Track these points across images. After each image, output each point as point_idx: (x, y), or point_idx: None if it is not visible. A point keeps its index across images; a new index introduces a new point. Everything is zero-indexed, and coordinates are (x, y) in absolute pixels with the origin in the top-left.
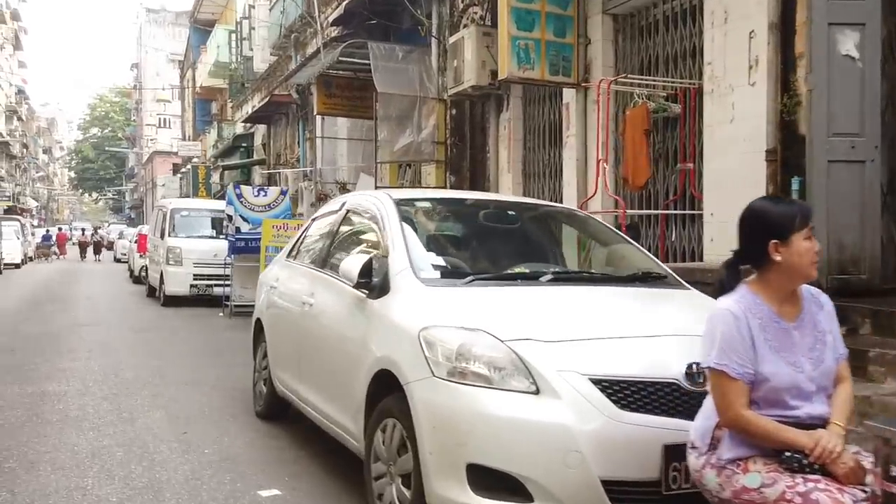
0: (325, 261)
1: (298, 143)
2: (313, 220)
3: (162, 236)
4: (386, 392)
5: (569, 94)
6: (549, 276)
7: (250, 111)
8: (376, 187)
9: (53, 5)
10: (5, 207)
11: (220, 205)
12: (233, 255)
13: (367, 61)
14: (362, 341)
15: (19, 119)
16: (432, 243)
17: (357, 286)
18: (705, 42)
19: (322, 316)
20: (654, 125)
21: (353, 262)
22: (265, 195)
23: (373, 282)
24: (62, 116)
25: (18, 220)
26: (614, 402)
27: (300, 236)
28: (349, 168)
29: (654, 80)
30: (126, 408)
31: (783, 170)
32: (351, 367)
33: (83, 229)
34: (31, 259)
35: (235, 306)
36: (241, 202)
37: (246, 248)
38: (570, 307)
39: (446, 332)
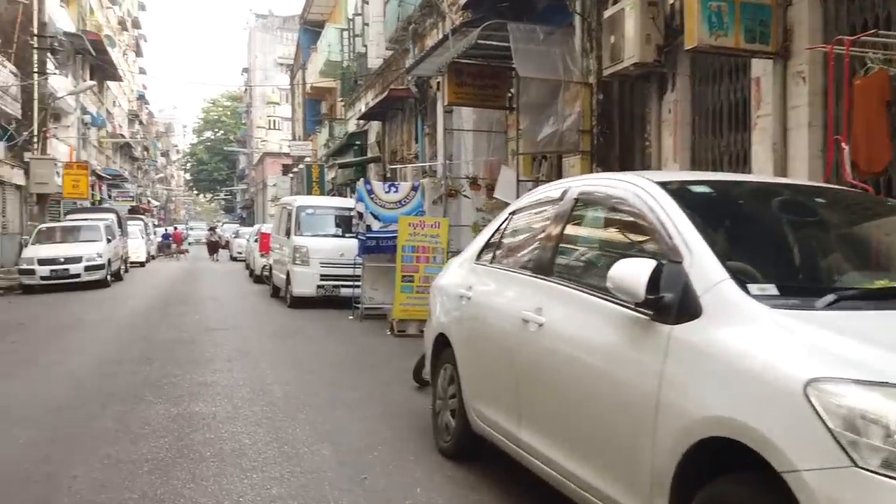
0: (551, 266)
1: (416, 138)
2: (513, 213)
3: (287, 235)
4: (709, 469)
5: (759, 67)
6: None
7: (364, 108)
8: (518, 181)
9: (170, 14)
10: (130, 207)
11: (345, 202)
12: (363, 255)
13: (503, 44)
14: (653, 387)
15: (140, 123)
16: (736, 244)
17: (643, 305)
18: None
19: (563, 342)
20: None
21: (632, 270)
22: (396, 191)
23: (665, 299)
24: (178, 121)
25: (142, 220)
26: None
27: (495, 233)
28: (477, 162)
29: None
30: (286, 438)
31: None
32: (632, 423)
33: (212, 228)
34: (153, 257)
35: (366, 309)
36: (372, 199)
37: (377, 248)
38: None
39: (867, 392)
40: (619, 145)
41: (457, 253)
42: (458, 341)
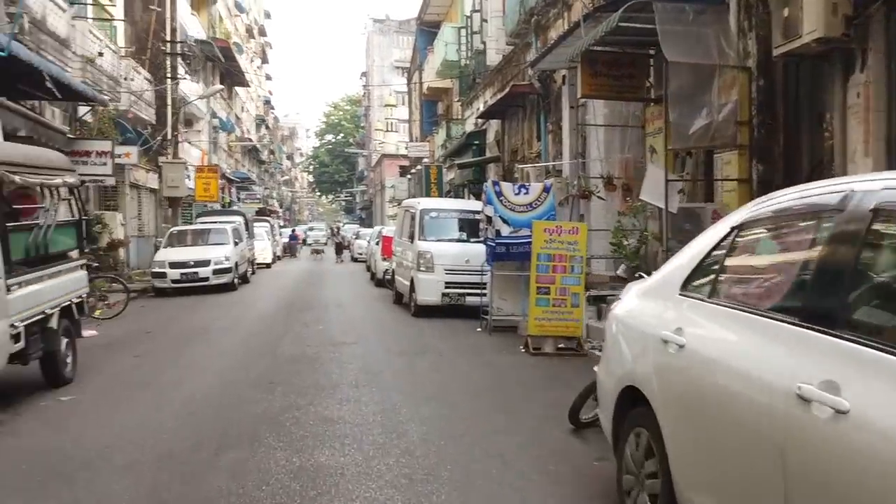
0: (844, 314)
1: (538, 136)
2: (738, 227)
3: (411, 239)
4: None
5: None
6: None
7: (482, 107)
8: (667, 181)
9: (294, 21)
10: (257, 209)
11: (470, 204)
12: (492, 263)
13: (647, 26)
14: None
15: (266, 127)
16: None
17: None
18: None
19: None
20: None
21: None
22: (527, 193)
23: None
24: (302, 125)
25: (268, 221)
26: None
27: (711, 255)
28: (610, 160)
29: None
30: None
31: None
32: None
33: (336, 228)
34: (279, 258)
35: (494, 320)
36: (501, 201)
37: (507, 255)
38: None
39: None
40: (784, 138)
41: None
42: (662, 403)
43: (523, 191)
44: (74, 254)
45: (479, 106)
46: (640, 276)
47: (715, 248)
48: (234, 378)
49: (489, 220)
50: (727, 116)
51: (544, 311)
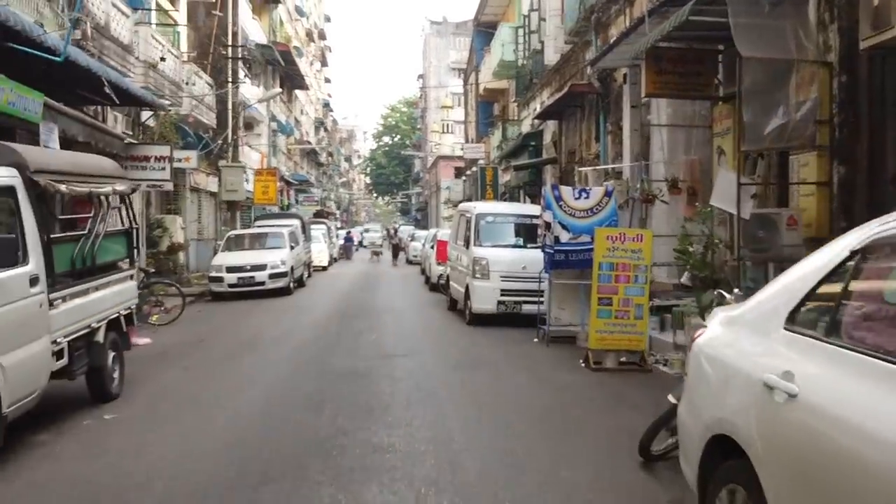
0: None
1: (597, 137)
2: (862, 251)
3: (466, 245)
4: None
5: None
6: None
7: (539, 108)
8: (739, 184)
9: (352, 24)
10: (315, 211)
11: (527, 208)
12: (550, 271)
13: (719, 19)
14: None
15: (325, 130)
16: None
17: None
18: None
19: None
20: None
21: None
22: (587, 197)
23: None
24: (360, 127)
25: (325, 223)
26: None
27: (824, 282)
28: (675, 162)
29: None
30: None
31: None
32: None
33: (394, 230)
34: (336, 259)
35: (552, 329)
36: (560, 206)
37: (566, 262)
38: None
39: None
40: (868, 137)
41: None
42: (766, 462)
43: (584, 195)
44: (125, 264)
45: (536, 106)
46: (721, 295)
47: (831, 274)
48: (283, 395)
49: (548, 225)
50: (805, 115)
51: (606, 324)
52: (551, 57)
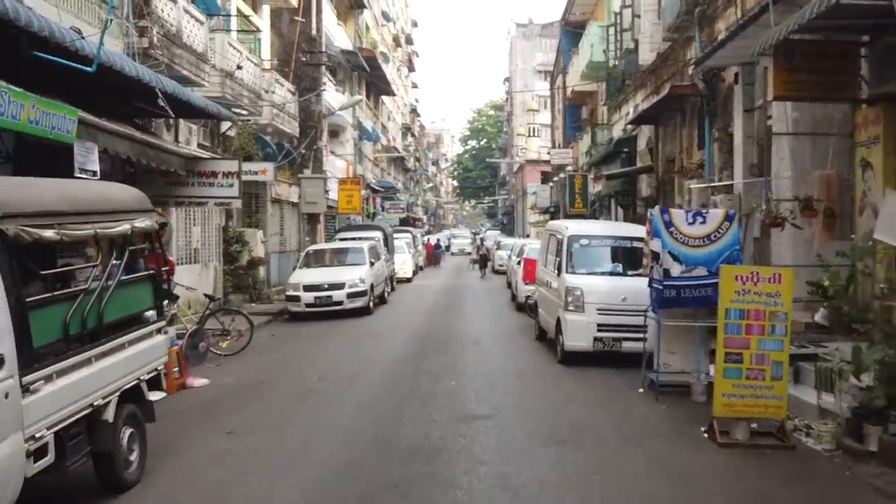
0: None
1: (700, 144)
2: None
3: (558, 272)
4: None
5: None
6: None
7: (631, 112)
8: None
9: (439, 29)
10: (400, 219)
11: (626, 229)
12: (658, 309)
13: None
14: None
15: (412, 135)
16: None
17: None
18: None
19: None
20: None
21: None
22: (703, 222)
23: None
24: (447, 131)
25: (410, 232)
26: None
27: None
28: (810, 178)
29: None
30: None
31: None
32: None
33: (481, 239)
34: (421, 268)
35: (660, 376)
36: (671, 232)
37: (678, 300)
38: None
39: None
40: None
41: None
42: None
43: (699, 220)
44: (151, 314)
45: (629, 110)
46: None
47: None
48: (333, 487)
49: (655, 256)
50: None
51: (735, 386)
52: (646, 56)
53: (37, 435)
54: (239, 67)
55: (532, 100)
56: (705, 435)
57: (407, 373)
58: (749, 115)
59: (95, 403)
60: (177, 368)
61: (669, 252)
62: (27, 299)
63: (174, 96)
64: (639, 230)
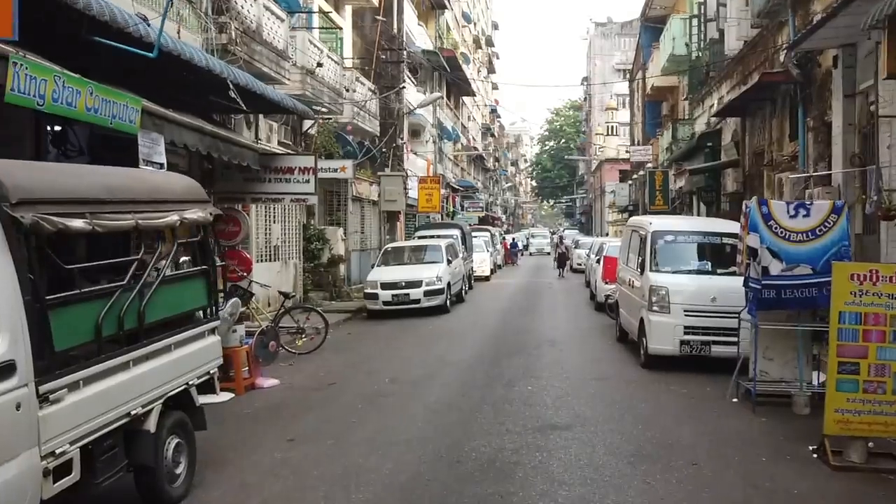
0: None
1: (792, 135)
2: None
3: (641, 270)
4: None
5: None
6: None
7: (716, 104)
8: None
9: (518, 30)
10: (479, 218)
11: (714, 224)
12: (755, 311)
13: None
14: None
15: (492, 135)
16: None
17: None
18: None
19: None
20: None
21: None
22: (806, 215)
23: None
24: (527, 132)
25: (488, 230)
26: None
27: None
28: None
29: None
30: None
31: None
32: None
33: (560, 237)
34: (500, 267)
35: (757, 385)
36: (770, 227)
37: (778, 301)
38: None
39: None
40: None
41: None
42: None
43: (802, 212)
44: (202, 314)
45: (713, 103)
46: None
47: None
48: None
49: (753, 252)
50: None
51: (850, 400)
52: (733, 45)
53: (57, 450)
54: (319, 65)
55: (611, 98)
56: (814, 455)
57: (481, 375)
58: (849, 101)
59: (134, 412)
60: (246, 368)
61: (768, 248)
62: (48, 297)
63: (247, 89)
64: (728, 225)
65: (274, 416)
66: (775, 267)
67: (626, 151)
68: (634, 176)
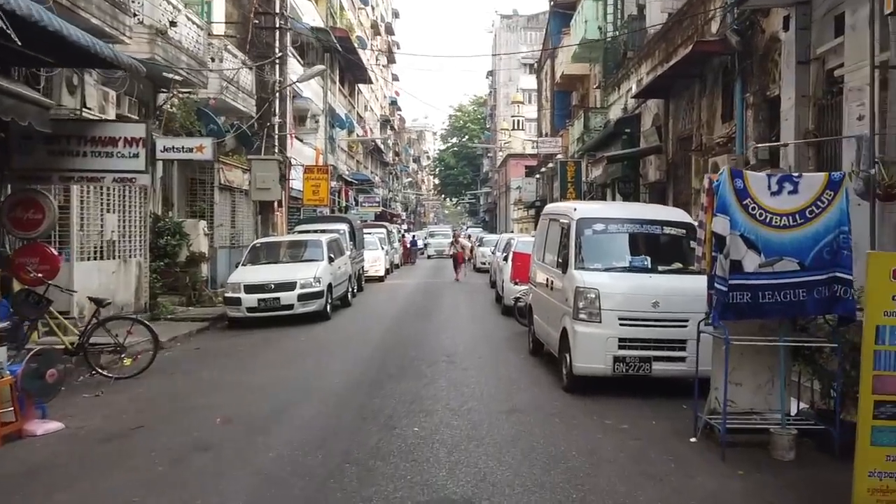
0: None
1: (729, 115)
2: None
3: (564, 268)
4: None
5: None
6: None
7: (635, 87)
8: None
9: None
10: (376, 213)
11: (654, 211)
12: (721, 321)
13: None
14: None
15: (392, 129)
16: None
17: None
18: None
19: None
20: None
21: None
22: (793, 191)
23: None
24: (429, 128)
25: (385, 227)
26: None
27: None
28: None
29: None
30: None
31: None
32: None
33: (455, 238)
34: (398, 266)
35: (727, 423)
36: (745, 206)
37: (753, 308)
38: None
39: None
40: None
41: None
42: None
43: (787, 187)
44: None
45: (631, 86)
46: None
47: None
48: None
49: (720, 241)
50: None
51: (892, 459)
52: (655, 18)
53: None
54: (173, 24)
55: (517, 92)
56: None
57: (352, 411)
58: (803, 69)
59: None
60: (9, 409)
61: (742, 236)
62: None
63: (37, 25)
64: (671, 212)
65: (23, 489)
66: (751, 261)
67: (534, 144)
68: (543, 169)
